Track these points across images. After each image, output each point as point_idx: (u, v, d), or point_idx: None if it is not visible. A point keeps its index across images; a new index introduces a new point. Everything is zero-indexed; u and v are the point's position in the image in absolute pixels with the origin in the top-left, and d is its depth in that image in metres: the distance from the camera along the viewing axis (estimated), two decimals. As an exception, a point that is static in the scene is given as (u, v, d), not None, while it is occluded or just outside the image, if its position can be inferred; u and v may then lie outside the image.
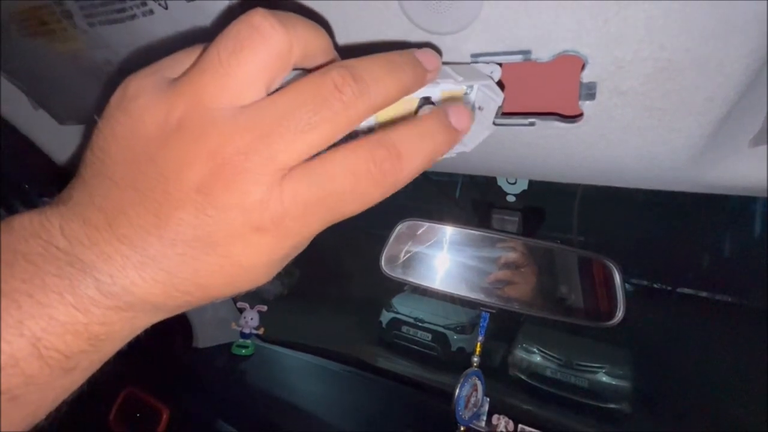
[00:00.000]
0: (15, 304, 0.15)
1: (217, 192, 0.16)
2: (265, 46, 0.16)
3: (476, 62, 0.26)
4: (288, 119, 0.16)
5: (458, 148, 0.25)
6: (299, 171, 0.16)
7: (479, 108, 0.25)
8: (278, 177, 0.16)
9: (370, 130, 0.20)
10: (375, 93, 0.17)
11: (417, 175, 0.19)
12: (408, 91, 0.19)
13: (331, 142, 0.17)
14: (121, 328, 0.17)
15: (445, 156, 0.25)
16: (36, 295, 0.15)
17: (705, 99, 0.23)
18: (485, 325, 0.53)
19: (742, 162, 0.28)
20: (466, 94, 0.24)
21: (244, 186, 0.16)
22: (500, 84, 0.26)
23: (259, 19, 0.16)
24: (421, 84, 0.19)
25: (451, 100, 0.24)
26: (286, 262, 0.19)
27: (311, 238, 0.18)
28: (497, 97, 0.25)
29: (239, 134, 0.16)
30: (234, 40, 0.16)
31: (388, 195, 0.18)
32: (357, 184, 0.17)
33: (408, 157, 0.18)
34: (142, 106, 0.17)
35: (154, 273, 0.16)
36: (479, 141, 0.26)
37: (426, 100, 0.22)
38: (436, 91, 0.22)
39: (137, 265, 0.16)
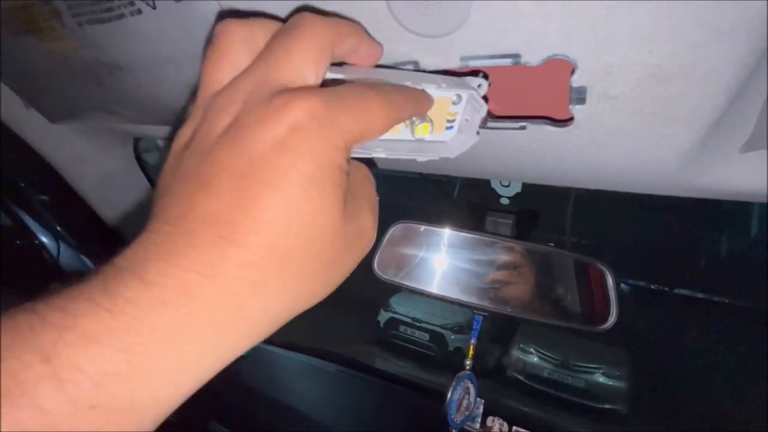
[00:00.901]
0: None
1: None
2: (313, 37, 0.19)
3: (467, 65, 0.26)
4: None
5: (443, 153, 0.26)
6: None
7: (466, 119, 0.26)
8: None
9: None
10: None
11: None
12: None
13: None
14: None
15: (430, 159, 0.26)
16: None
17: (694, 105, 0.23)
18: (478, 327, 0.53)
19: (733, 168, 0.27)
20: (454, 103, 0.25)
21: None
22: (484, 97, 0.27)
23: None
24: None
25: (438, 105, 0.24)
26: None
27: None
28: (482, 109, 0.26)
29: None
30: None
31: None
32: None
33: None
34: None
35: None
36: (465, 149, 0.27)
37: None
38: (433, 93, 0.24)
39: None
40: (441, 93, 0.24)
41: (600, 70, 0.23)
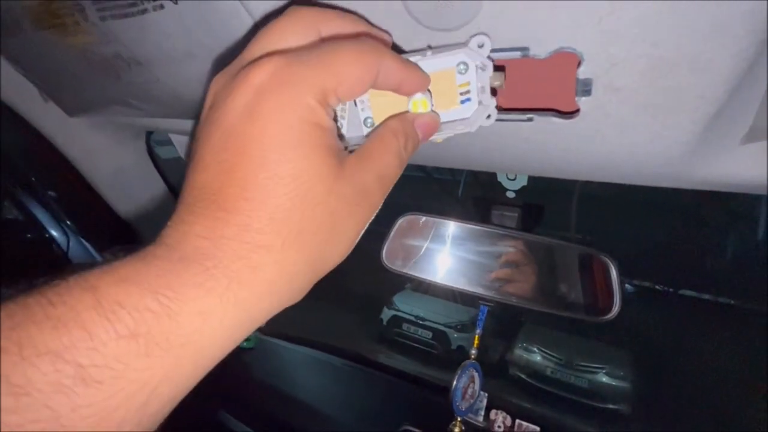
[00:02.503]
0: None
1: None
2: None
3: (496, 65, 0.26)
4: None
5: (460, 129, 0.25)
6: None
7: (481, 87, 0.24)
8: None
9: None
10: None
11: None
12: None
13: None
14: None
15: (447, 136, 0.25)
16: None
17: (696, 96, 0.24)
18: (483, 318, 0.54)
19: (734, 159, 0.28)
20: (460, 73, 0.23)
21: None
22: (498, 67, 0.25)
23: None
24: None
25: (441, 79, 0.23)
26: None
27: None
28: (488, 67, 0.23)
29: None
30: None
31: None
32: None
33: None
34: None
35: None
36: (487, 121, 0.25)
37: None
38: (425, 68, 0.23)
39: None
40: (435, 64, 0.23)
41: (605, 62, 0.24)
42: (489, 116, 0.25)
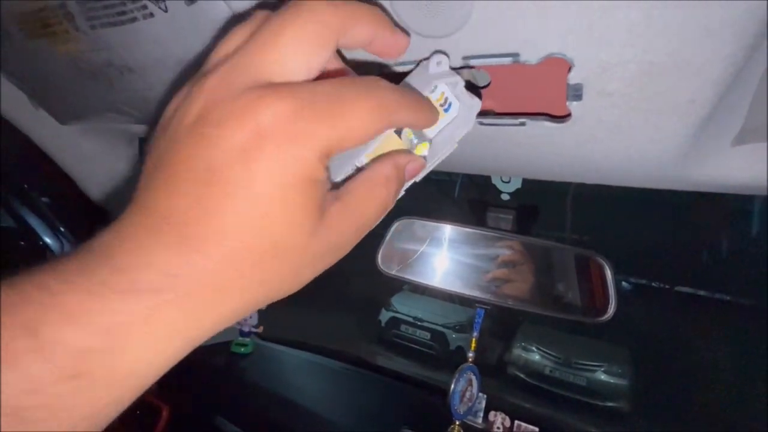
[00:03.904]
0: None
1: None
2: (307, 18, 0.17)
3: (468, 64, 0.27)
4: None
5: (461, 132, 0.24)
6: None
7: (453, 92, 0.24)
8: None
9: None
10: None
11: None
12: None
13: None
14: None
15: (453, 143, 0.25)
16: None
17: (687, 101, 0.24)
18: (480, 321, 0.54)
19: (726, 160, 0.28)
20: (432, 92, 0.24)
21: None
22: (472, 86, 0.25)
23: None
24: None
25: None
26: None
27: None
28: (456, 77, 0.24)
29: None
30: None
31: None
32: None
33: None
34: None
35: None
36: (473, 115, 0.24)
37: None
38: None
39: None
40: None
41: (596, 68, 0.24)
42: (474, 107, 0.24)
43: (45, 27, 0.40)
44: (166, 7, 0.33)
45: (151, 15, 0.34)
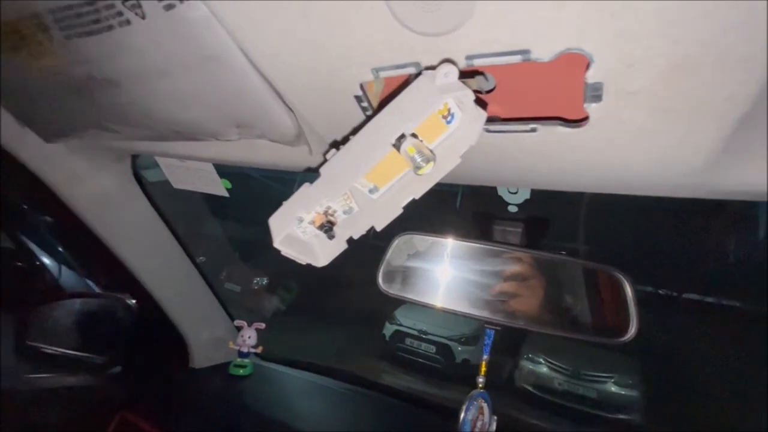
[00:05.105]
0: None
1: None
2: None
3: (472, 64, 0.25)
4: None
5: (468, 141, 0.25)
6: None
7: (458, 102, 0.24)
8: None
9: None
10: None
11: None
12: None
13: None
14: None
15: (456, 158, 0.25)
16: None
17: (724, 98, 0.21)
18: (490, 342, 0.51)
19: (765, 166, 0.25)
20: (440, 110, 0.24)
21: None
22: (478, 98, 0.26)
23: None
24: None
25: (431, 126, 0.24)
26: None
27: None
28: (463, 88, 0.24)
29: None
30: None
31: None
32: None
33: None
34: None
35: None
36: (479, 126, 0.25)
37: (402, 137, 0.23)
38: (408, 127, 0.23)
39: None
40: (417, 118, 0.23)
41: (619, 64, 0.21)
42: (479, 119, 0.25)
43: (20, 40, 0.38)
44: (143, 14, 0.31)
45: (128, 22, 0.31)
